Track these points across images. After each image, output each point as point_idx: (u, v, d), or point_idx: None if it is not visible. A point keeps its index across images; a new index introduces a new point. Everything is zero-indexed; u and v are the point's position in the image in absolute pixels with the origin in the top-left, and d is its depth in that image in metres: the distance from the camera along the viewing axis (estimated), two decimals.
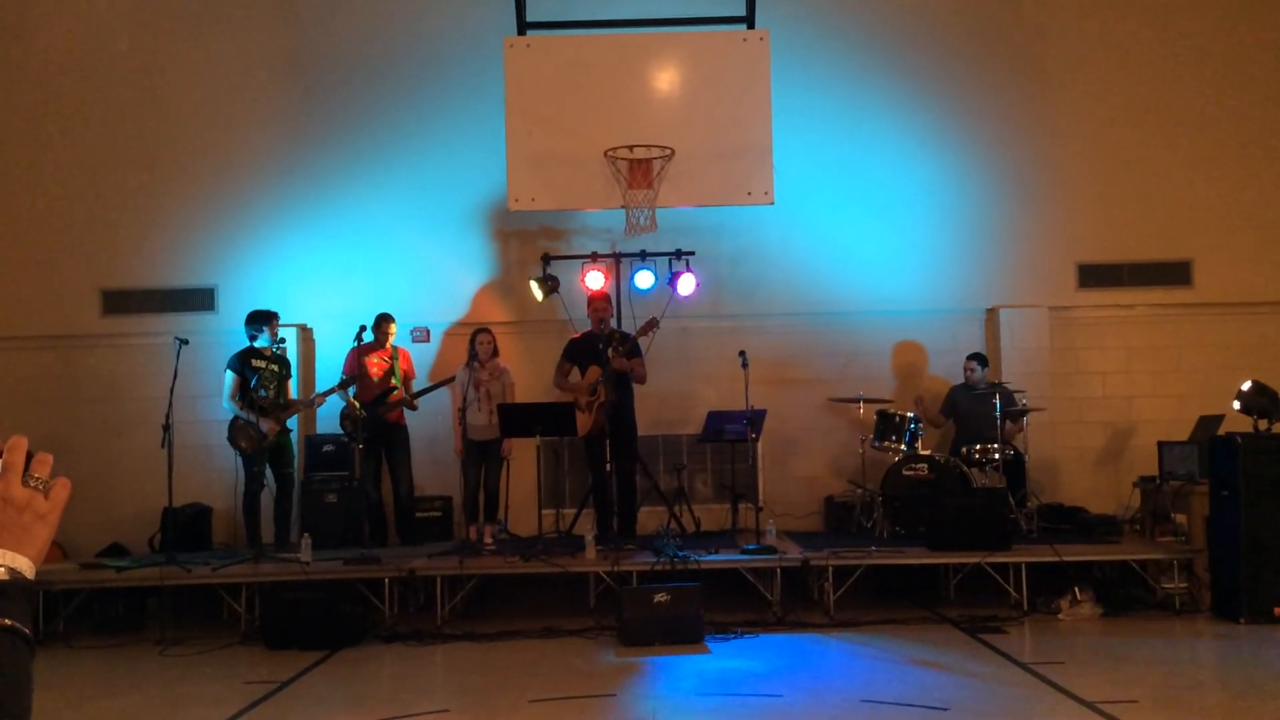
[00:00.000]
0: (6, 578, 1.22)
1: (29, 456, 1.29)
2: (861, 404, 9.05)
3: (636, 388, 8.62)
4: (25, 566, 1.24)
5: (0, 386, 9.63)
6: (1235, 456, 7.06)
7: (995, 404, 8.47)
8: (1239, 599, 7.01)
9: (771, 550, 7.55)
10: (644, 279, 9.39)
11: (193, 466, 9.02)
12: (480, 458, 8.64)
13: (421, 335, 9.73)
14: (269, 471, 8.44)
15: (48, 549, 1.28)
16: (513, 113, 8.25)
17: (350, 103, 9.93)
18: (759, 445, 9.12)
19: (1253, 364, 8.96)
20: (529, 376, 9.32)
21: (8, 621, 1.19)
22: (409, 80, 9.91)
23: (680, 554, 7.37)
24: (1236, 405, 7.54)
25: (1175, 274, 9.93)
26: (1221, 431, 7.72)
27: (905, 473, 8.53)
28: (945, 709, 5.17)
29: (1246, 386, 7.50)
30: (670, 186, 8.07)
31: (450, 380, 8.74)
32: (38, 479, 1.28)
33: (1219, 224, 9.91)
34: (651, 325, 8.26)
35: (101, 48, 9.94)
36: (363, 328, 8.45)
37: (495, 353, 8.76)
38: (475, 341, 8.71)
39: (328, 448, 9.12)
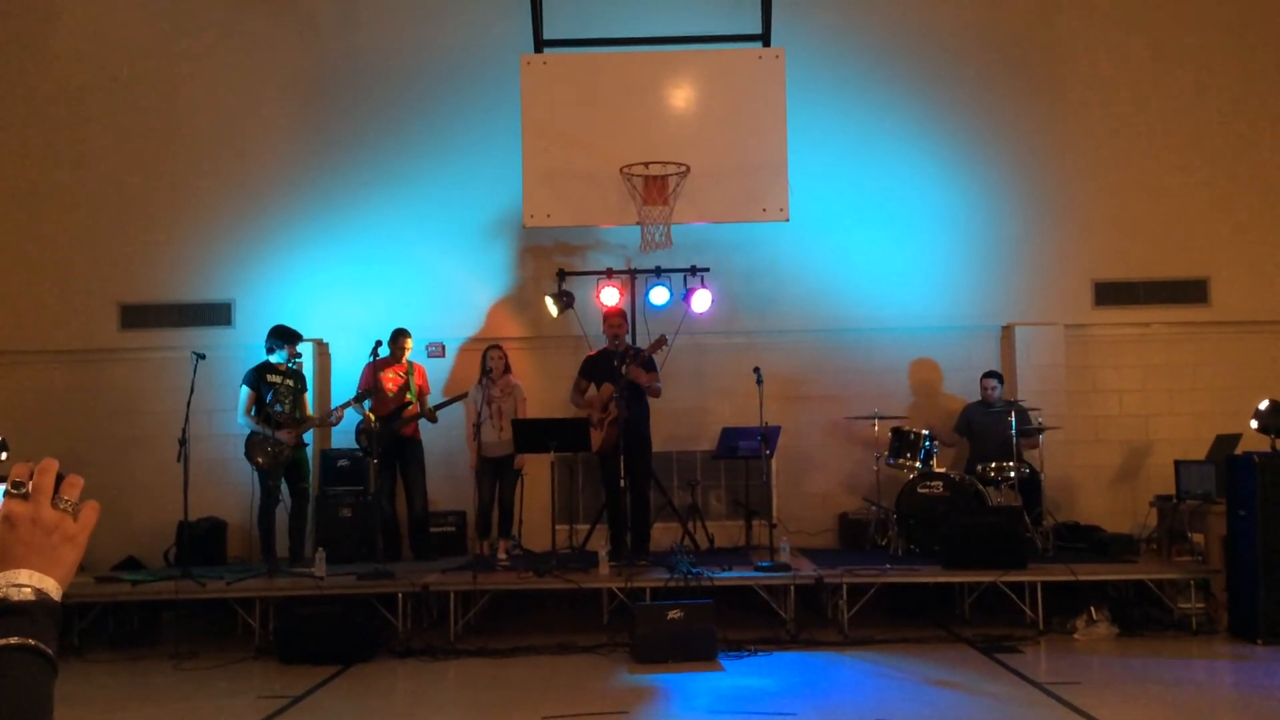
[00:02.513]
0: (33, 599, 1.22)
1: (59, 478, 1.29)
2: (876, 421, 9.04)
3: (652, 403, 8.59)
4: (52, 588, 1.24)
5: (19, 399, 9.70)
6: (1253, 476, 7.02)
7: (1011, 422, 8.44)
8: (1256, 620, 6.96)
9: (785, 567, 7.53)
10: (659, 295, 9.40)
11: (208, 480, 9.06)
12: (493, 473, 8.65)
13: (437, 350, 9.76)
14: (284, 486, 8.47)
15: (75, 571, 1.29)
16: (529, 130, 8.30)
17: (367, 119, 9.99)
18: (773, 462, 9.10)
19: (1271, 382, 8.93)
20: (544, 392, 9.34)
21: (32, 642, 1.20)
22: (426, 97, 9.97)
23: (694, 570, 7.36)
24: (1254, 424, 7.51)
25: (1192, 292, 9.89)
26: (1239, 450, 7.68)
27: (920, 490, 8.50)
28: None
29: (1264, 405, 7.47)
30: (686, 203, 8.09)
31: (462, 397, 8.76)
32: (67, 501, 1.29)
33: (1236, 241, 9.87)
34: (660, 343, 8.25)
35: (120, 65, 10.03)
36: (379, 343, 8.47)
37: (507, 369, 8.77)
38: (487, 357, 8.73)
39: (343, 462, 9.16)
